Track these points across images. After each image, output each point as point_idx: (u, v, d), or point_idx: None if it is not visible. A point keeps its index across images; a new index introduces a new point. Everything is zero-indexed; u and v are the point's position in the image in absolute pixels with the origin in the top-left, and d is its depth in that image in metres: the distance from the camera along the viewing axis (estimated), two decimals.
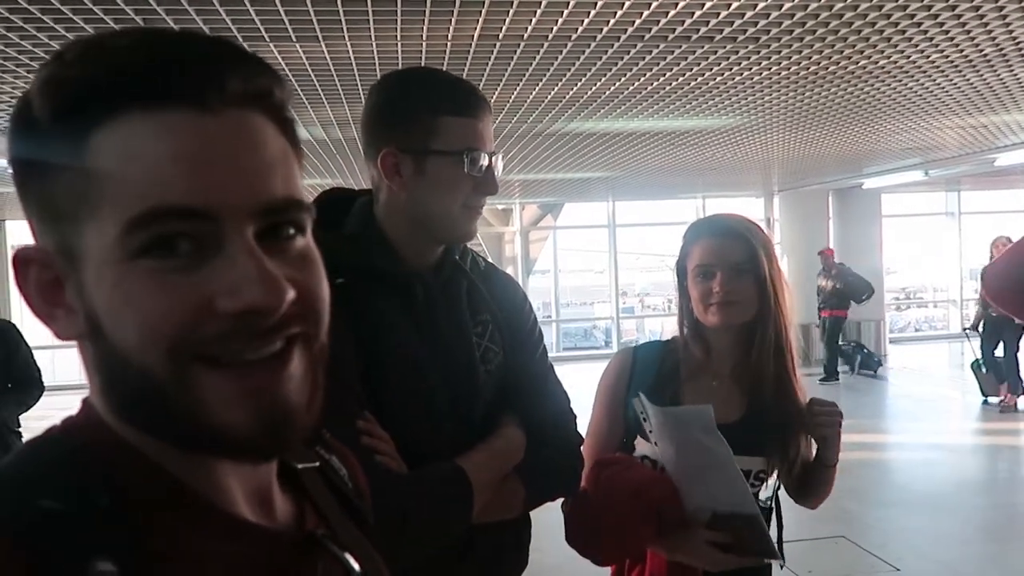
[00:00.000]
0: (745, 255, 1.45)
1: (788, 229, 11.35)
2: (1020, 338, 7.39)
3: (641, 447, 1.49)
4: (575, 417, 1.28)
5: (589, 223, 13.44)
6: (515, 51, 3.29)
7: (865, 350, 9.69)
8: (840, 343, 9.39)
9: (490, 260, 1.33)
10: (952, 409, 8.00)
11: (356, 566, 0.57)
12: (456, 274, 1.21)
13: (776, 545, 1.41)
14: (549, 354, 1.33)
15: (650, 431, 1.40)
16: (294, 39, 3.00)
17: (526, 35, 3.07)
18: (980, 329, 7.50)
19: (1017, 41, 3.41)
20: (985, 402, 7.53)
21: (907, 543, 4.31)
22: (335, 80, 3.69)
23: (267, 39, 2.97)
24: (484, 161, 1.13)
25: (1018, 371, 7.37)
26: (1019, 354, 7.42)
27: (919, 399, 7.91)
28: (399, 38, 3.04)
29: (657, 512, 1.37)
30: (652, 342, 1.63)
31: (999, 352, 7.41)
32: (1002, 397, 7.36)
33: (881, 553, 4.12)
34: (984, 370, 7.49)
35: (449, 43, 3.15)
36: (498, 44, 3.19)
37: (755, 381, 1.46)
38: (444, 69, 3.39)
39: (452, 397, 1.15)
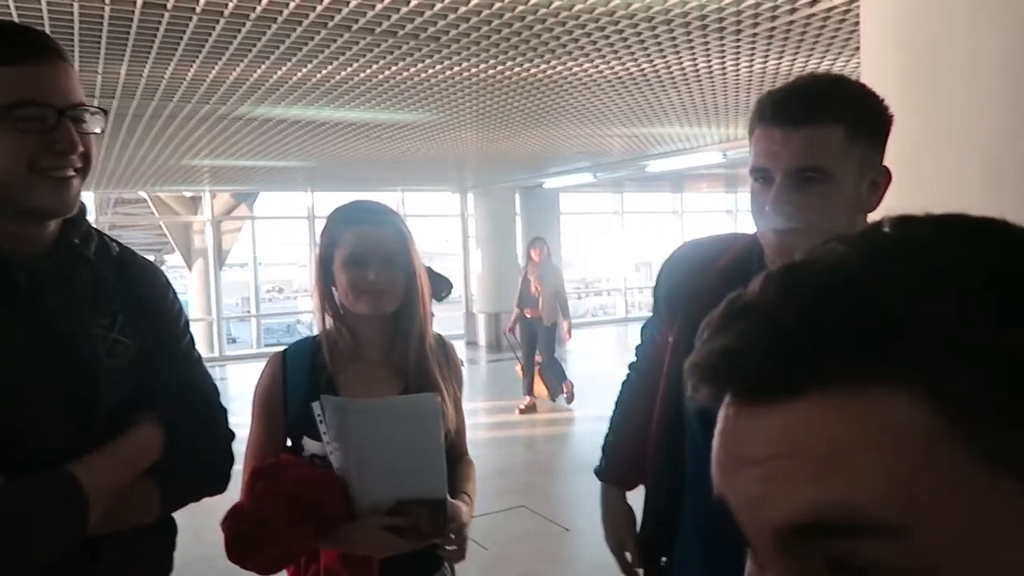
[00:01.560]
0: (397, 246, 1.49)
1: (481, 224, 12.05)
2: (552, 338, 7.59)
3: (310, 446, 1.47)
4: (225, 411, 1.22)
5: (289, 214, 12.97)
6: (186, 25, 3.05)
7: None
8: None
9: (127, 246, 1.21)
10: (617, 384, 9.09)
11: None
12: (74, 260, 1.09)
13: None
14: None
15: (325, 431, 1.40)
16: None
17: (198, 7, 2.87)
18: (517, 331, 7.64)
19: (656, 68, 3.98)
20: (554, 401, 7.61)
21: (576, 506, 4.81)
22: None
23: None
24: (50, 116, 1.00)
25: (554, 373, 7.50)
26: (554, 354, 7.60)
27: (592, 376, 8.86)
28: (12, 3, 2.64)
29: (316, 510, 1.36)
30: (301, 341, 1.60)
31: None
32: (524, 403, 7.42)
33: (555, 517, 4.57)
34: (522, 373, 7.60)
35: (107, 5, 2.82)
36: (167, 15, 2.93)
37: (403, 364, 1.52)
38: (85, 39, 3.02)
39: (68, 396, 1.04)
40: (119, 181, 8.93)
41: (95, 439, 1.05)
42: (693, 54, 3.77)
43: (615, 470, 1.58)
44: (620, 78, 4.25)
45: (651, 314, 1.54)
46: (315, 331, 1.59)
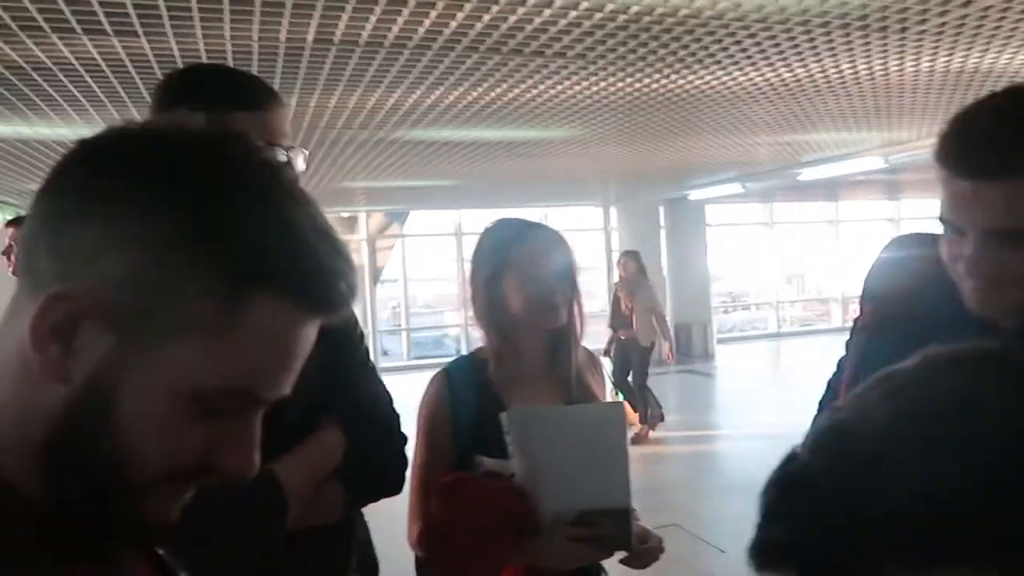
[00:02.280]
0: (568, 263, 1.54)
1: (625, 237, 11.96)
2: (646, 361, 6.86)
3: (486, 464, 1.48)
4: (398, 417, 1.29)
5: (437, 231, 13.48)
6: (351, 55, 3.26)
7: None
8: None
9: None
10: (770, 401, 8.72)
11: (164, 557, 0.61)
12: None
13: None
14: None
15: (509, 443, 1.40)
16: (79, 32, 2.79)
17: (361, 40, 3.06)
18: (612, 353, 6.91)
19: (812, 74, 3.81)
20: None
21: (734, 527, 4.64)
22: (134, 79, 3.47)
23: (49, 32, 2.75)
24: (282, 156, 1.11)
25: (647, 400, 6.78)
26: (647, 380, 6.87)
27: (742, 393, 8.57)
28: (200, 35, 2.91)
29: (511, 523, 1.38)
30: (460, 359, 1.65)
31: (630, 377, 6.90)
32: (636, 429, 6.51)
33: (710, 538, 4.43)
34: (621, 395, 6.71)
35: (283, 45, 3.07)
36: (334, 48, 3.15)
37: (565, 377, 1.55)
38: (262, 72, 3.30)
39: None
40: None
41: (287, 442, 1.13)
42: (852, 56, 3.59)
43: None
44: (772, 85, 4.11)
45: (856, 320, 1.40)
46: (463, 345, 1.64)
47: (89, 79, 3.43)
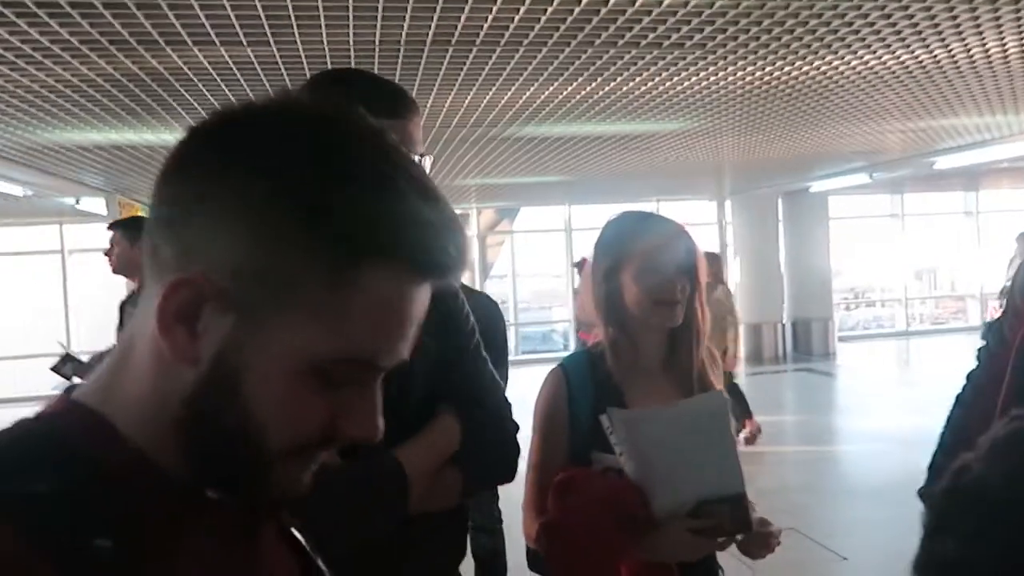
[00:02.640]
0: (690, 258, 1.51)
1: (740, 231, 11.59)
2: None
3: (604, 460, 1.48)
4: (510, 406, 1.31)
5: (546, 227, 13.52)
6: (468, 54, 3.32)
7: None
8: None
9: None
10: (896, 403, 8.24)
11: (299, 536, 0.64)
12: None
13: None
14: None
15: (616, 443, 1.40)
16: (217, 43, 2.97)
17: (478, 39, 3.11)
18: None
19: (952, 54, 3.56)
20: None
21: (855, 533, 4.44)
22: (264, 83, 3.65)
23: (189, 42, 2.93)
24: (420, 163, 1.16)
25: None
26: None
27: (865, 394, 8.14)
28: (325, 37, 3.02)
29: (630, 517, 1.38)
30: (575, 354, 1.65)
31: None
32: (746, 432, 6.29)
33: (830, 544, 4.24)
34: None
35: (403, 46, 3.16)
36: (451, 48, 3.22)
37: (685, 373, 1.52)
38: (383, 71, 3.40)
39: (386, 388, 1.17)
40: None
41: (408, 429, 1.17)
42: (1000, 32, 3.32)
43: None
44: (907, 68, 3.86)
45: (996, 317, 1.32)
46: (571, 340, 1.64)
47: (223, 85, 3.65)
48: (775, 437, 6.74)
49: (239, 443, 0.51)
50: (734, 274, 11.81)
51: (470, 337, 1.31)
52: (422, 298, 0.53)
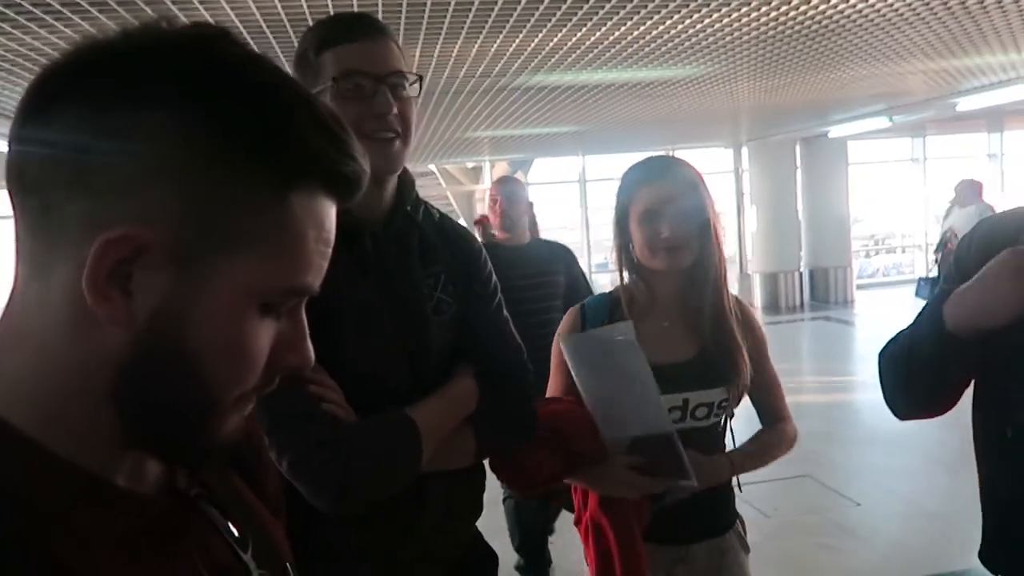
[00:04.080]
0: (691, 200, 1.48)
1: (757, 179, 11.42)
2: None
3: None
4: (530, 369, 1.30)
5: (560, 179, 13.41)
6: (472, 3, 3.24)
7: None
8: None
9: (445, 213, 1.33)
10: None
11: (231, 527, 0.57)
12: (407, 226, 1.21)
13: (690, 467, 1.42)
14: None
15: (573, 368, 1.44)
16: (223, 1, 2.91)
17: None
18: None
19: None
20: None
21: (869, 479, 4.46)
22: (269, 38, 3.58)
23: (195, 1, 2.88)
24: (367, 83, 1.10)
25: None
26: None
27: (883, 342, 8.06)
28: None
29: (567, 444, 1.40)
30: (599, 295, 1.65)
31: None
32: None
33: (844, 490, 4.27)
34: None
35: None
36: None
37: (697, 319, 1.51)
38: (387, 19, 3.32)
39: (404, 347, 1.17)
40: (413, 155, 9.85)
41: (426, 388, 1.17)
42: None
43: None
44: (928, 4, 3.73)
45: (941, 284, 1.27)
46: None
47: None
48: (792, 386, 6.74)
49: (187, 399, 0.48)
50: (749, 223, 11.69)
51: (492, 297, 1.30)
52: (334, 218, 0.52)
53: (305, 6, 3.12)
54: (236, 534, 0.57)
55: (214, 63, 0.48)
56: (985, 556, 1.21)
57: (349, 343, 1.12)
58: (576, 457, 1.41)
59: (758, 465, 1.57)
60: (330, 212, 0.51)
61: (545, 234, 3.70)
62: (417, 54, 4.07)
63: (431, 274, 1.21)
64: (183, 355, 0.47)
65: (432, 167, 13.33)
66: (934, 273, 7.84)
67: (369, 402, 1.11)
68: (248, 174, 0.47)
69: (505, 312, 1.31)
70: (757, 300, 11.38)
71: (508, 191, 3.23)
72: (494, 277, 1.32)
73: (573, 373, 1.45)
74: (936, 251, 8.15)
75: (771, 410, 1.62)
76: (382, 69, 1.12)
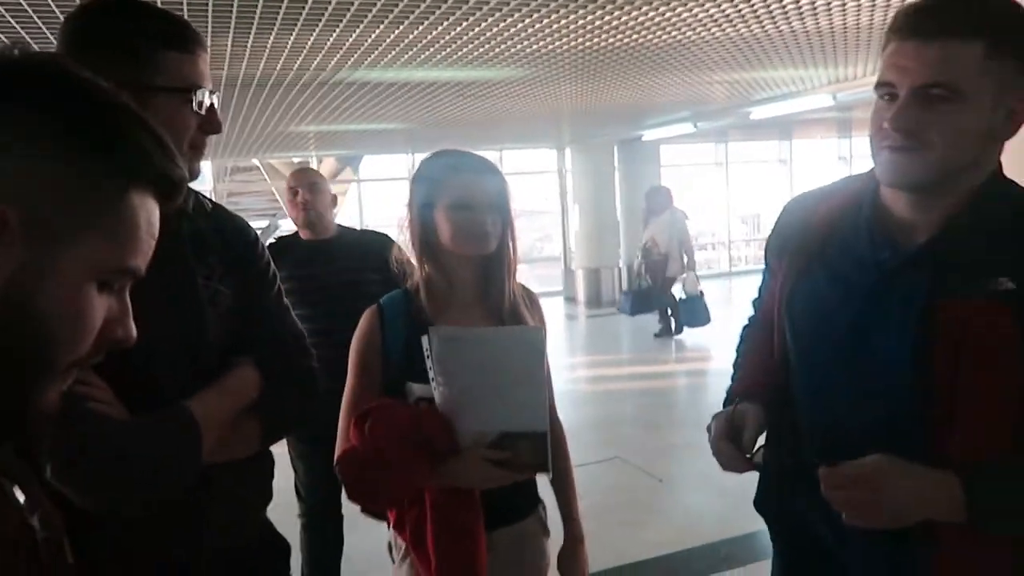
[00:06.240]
0: (499, 192, 1.55)
1: (579, 179, 11.96)
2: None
3: (416, 391, 1.52)
4: (312, 355, 1.31)
5: (391, 176, 13.31)
6: None
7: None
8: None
9: (218, 203, 1.31)
10: (720, 341, 8.94)
11: (19, 495, 0.61)
12: (178, 214, 1.19)
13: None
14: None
15: (431, 365, 1.44)
16: None
17: None
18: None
19: (764, 29, 3.81)
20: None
21: (671, 458, 4.82)
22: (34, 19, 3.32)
23: None
24: (208, 99, 1.13)
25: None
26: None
27: (689, 332, 8.74)
28: None
29: (428, 445, 1.42)
30: (394, 292, 1.66)
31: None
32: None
33: (650, 469, 4.60)
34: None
35: None
36: None
37: (497, 305, 1.58)
38: (194, 8, 3.17)
39: (179, 340, 1.14)
40: (233, 150, 9.41)
41: (204, 380, 1.15)
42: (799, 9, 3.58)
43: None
44: (725, 13, 4.09)
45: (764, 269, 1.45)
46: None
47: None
48: (605, 376, 7.15)
49: (30, 353, 0.55)
50: (573, 221, 12.21)
51: (271, 285, 1.30)
52: (158, 214, 0.64)
53: None
54: (22, 499, 0.63)
55: (69, 80, 0.59)
56: (758, 503, 1.41)
57: None
58: (436, 456, 1.43)
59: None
60: (155, 209, 0.63)
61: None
62: (229, 43, 3.91)
63: (206, 264, 1.20)
64: (30, 316, 0.55)
65: (255, 161, 12.78)
66: (637, 286, 8.76)
67: (147, 398, 1.08)
68: (95, 171, 0.58)
69: (286, 300, 1.32)
70: (580, 295, 11.92)
71: (309, 181, 3.15)
72: (273, 267, 1.32)
73: (435, 367, 1.43)
74: (640, 262, 8.74)
75: None
76: (211, 85, 1.15)
